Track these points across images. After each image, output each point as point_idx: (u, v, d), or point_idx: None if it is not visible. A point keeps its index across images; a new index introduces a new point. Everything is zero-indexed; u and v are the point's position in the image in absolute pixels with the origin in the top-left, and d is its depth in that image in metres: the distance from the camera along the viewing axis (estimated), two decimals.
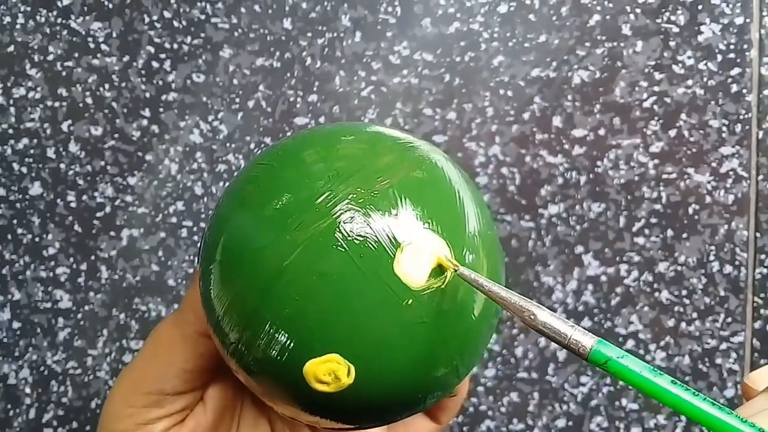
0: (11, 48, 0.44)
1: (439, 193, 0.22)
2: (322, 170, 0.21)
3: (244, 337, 0.21)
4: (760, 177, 0.43)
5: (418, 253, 0.21)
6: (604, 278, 0.43)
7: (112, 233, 0.44)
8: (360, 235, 0.20)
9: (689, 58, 0.43)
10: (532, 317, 0.20)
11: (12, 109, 0.44)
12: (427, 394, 0.22)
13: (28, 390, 0.44)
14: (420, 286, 0.21)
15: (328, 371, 0.20)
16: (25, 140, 0.44)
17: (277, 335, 0.21)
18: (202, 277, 0.23)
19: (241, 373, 0.22)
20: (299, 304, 0.20)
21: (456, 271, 0.21)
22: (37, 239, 0.44)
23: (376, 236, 0.20)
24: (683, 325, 0.43)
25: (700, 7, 0.43)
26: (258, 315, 0.21)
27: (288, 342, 0.21)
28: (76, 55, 0.44)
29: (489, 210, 0.24)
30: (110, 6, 0.44)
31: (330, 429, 0.23)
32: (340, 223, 0.20)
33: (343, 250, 0.20)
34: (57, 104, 0.44)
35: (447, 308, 0.21)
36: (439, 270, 0.21)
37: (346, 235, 0.20)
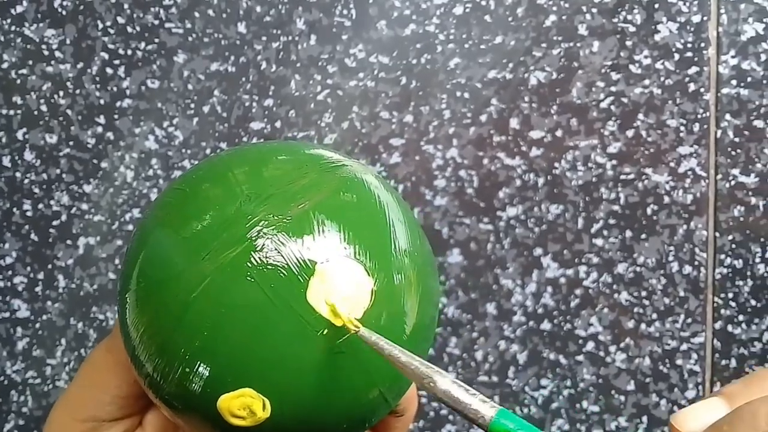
0: None
1: (363, 214, 0.22)
2: (237, 193, 0.21)
3: (159, 369, 0.21)
4: (719, 176, 0.43)
5: (334, 281, 0.20)
6: (563, 280, 0.43)
7: (69, 242, 0.44)
8: (270, 264, 0.20)
9: (646, 57, 0.43)
10: (432, 384, 0.19)
11: None
12: (354, 424, 0.22)
13: None
14: (334, 318, 0.20)
15: (242, 405, 0.20)
16: None
17: (189, 368, 0.20)
18: (120, 304, 0.22)
19: (158, 404, 0.22)
20: (209, 336, 0.20)
21: (357, 332, 0.20)
22: None
23: (287, 263, 0.20)
24: (643, 326, 0.43)
25: (656, 5, 0.43)
26: (170, 346, 0.20)
27: (202, 374, 0.20)
28: (30, 62, 0.44)
29: (420, 228, 0.23)
30: (64, 13, 0.44)
31: None
32: (250, 251, 0.20)
33: (252, 280, 0.20)
34: (11, 112, 0.44)
35: (372, 325, 0.20)
36: (360, 296, 0.20)
37: (256, 264, 0.20)
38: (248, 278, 0.20)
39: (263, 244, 0.20)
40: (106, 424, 0.26)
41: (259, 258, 0.20)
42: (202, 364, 0.20)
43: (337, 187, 0.21)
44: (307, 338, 0.20)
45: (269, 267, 0.20)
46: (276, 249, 0.20)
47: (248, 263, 0.20)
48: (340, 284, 0.20)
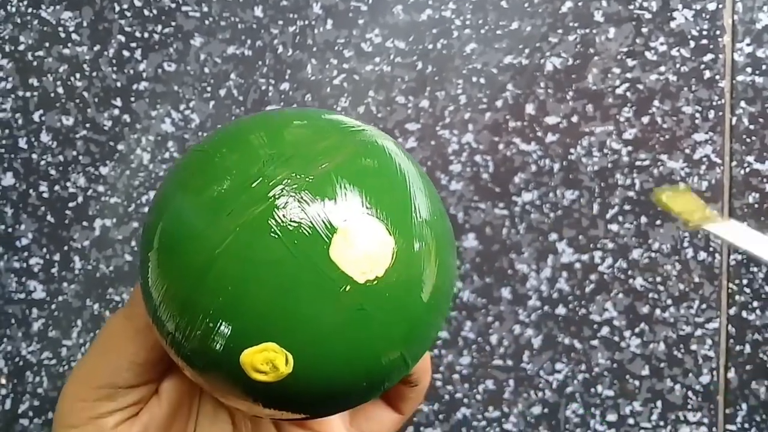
0: None
1: (384, 179, 0.22)
2: (259, 154, 0.21)
3: (181, 327, 0.21)
4: (734, 163, 0.43)
5: (356, 238, 0.20)
6: (578, 265, 0.43)
7: (85, 223, 0.44)
8: (294, 221, 0.20)
9: (662, 44, 0.43)
10: None
11: None
12: (373, 383, 0.22)
13: (3, 381, 0.44)
14: (358, 271, 0.20)
15: (265, 360, 0.20)
16: None
17: (212, 325, 0.20)
18: (141, 264, 0.22)
19: (180, 363, 0.22)
20: (233, 292, 0.20)
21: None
22: (9, 230, 0.44)
23: (310, 221, 0.20)
24: (658, 311, 0.43)
25: None
26: (192, 304, 0.20)
27: (224, 331, 0.20)
28: (47, 44, 0.44)
29: (442, 204, 0.24)
30: None
31: (280, 419, 0.23)
32: (273, 208, 0.20)
33: (276, 236, 0.20)
34: (28, 94, 0.44)
35: (389, 294, 0.20)
36: (381, 254, 0.20)
37: (280, 220, 0.20)
38: (272, 235, 0.20)
39: (287, 202, 0.20)
40: (122, 391, 0.26)
41: (283, 215, 0.20)
42: (225, 320, 0.20)
43: (357, 151, 0.22)
44: (330, 294, 0.20)
45: (293, 224, 0.20)
46: (299, 207, 0.20)
47: (272, 220, 0.20)
48: (362, 242, 0.20)
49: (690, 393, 0.43)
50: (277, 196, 0.20)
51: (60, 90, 0.44)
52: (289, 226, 0.20)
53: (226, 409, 0.29)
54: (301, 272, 0.20)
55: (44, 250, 0.44)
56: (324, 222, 0.20)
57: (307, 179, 0.20)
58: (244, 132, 0.22)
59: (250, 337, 0.20)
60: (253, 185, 0.20)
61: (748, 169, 0.43)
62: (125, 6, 0.44)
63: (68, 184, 0.44)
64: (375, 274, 0.20)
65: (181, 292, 0.21)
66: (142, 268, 0.22)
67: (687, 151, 0.43)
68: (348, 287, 0.20)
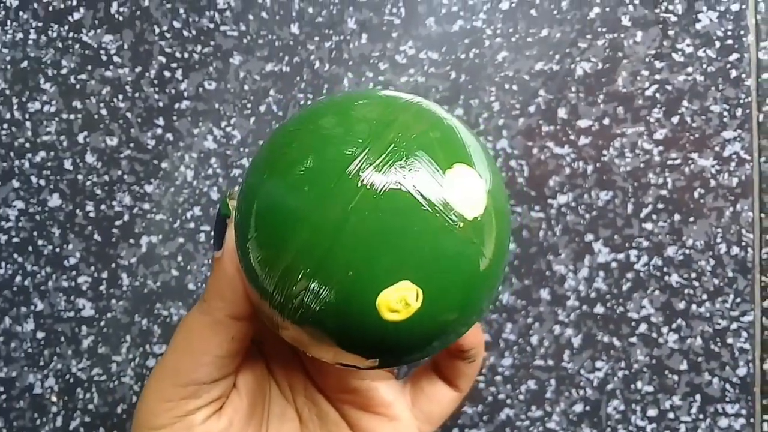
0: (24, 63, 0.45)
1: (457, 141, 0.25)
2: (360, 125, 0.24)
3: (315, 285, 0.23)
4: (762, 159, 0.44)
5: (461, 182, 0.23)
6: (614, 264, 0.44)
7: (132, 241, 0.45)
8: (414, 170, 0.23)
9: (688, 45, 0.44)
10: None
11: (28, 123, 0.45)
12: (477, 312, 0.25)
13: (54, 399, 0.45)
14: (467, 213, 0.23)
15: (400, 298, 0.22)
16: (42, 153, 0.45)
17: (351, 273, 0.22)
18: (243, 245, 0.24)
19: (298, 326, 0.24)
20: (369, 241, 0.22)
21: None
22: (57, 250, 0.45)
23: (425, 168, 0.23)
24: (694, 307, 0.44)
25: None
26: (332, 258, 0.22)
27: (362, 276, 0.22)
28: (89, 67, 0.45)
29: (501, 175, 0.27)
30: (120, 19, 0.45)
31: (372, 368, 0.25)
32: (392, 165, 0.23)
33: (399, 186, 0.22)
34: (72, 117, 0.45)
35: (488, 230, 0.24)
36: (480, 195, 0.24)
37: (402, 170, 0.23)
38: (395, 185, 0.22)
39: (402, 158, 0.23)
40: (206, 386, 0.27)
41: (402, 165, 0.23)
42: (360, 266, 0.22)
43: (434, 123, 0.25)
44: (448, 231, 0.23)
45: (413, 171, 0.23)
46: (412, 160, 0.23)
47: (395, 172, 0.23)
48: (465, 184, 0.23)
49: (727, 385, 0.44)
50: (391, 154, 0.23)
51: (103, 111, 0.45)
52: (406, 176, 0.23)
53: (293, 408, 0.30)
54: (426, 214, 0.23)
55: (92, 268, 0.45)
56: (435, 169, 0.23)
57: (411, 137, 0.23)
58: (347, 106, 0.25)
59: (386, 279, 0.22)
60: (363, 152, 0.23)
61: None
62: (165, 28, 0.45)
63: (114, 203, 0.45)
64: (478, 211, 0.23)
65: (317, 250, 0.22)
66: (247, 246, 0.24)
67: (716, 148, 0.44)
68: (461, 224, 0.23)
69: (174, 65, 0.45)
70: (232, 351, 0.27)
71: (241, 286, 0.26)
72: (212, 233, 0.42)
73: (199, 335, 0.27)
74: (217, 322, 0.26)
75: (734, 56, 0.44)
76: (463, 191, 0.23)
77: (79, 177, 0.45)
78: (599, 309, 0.44)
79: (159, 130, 0.45)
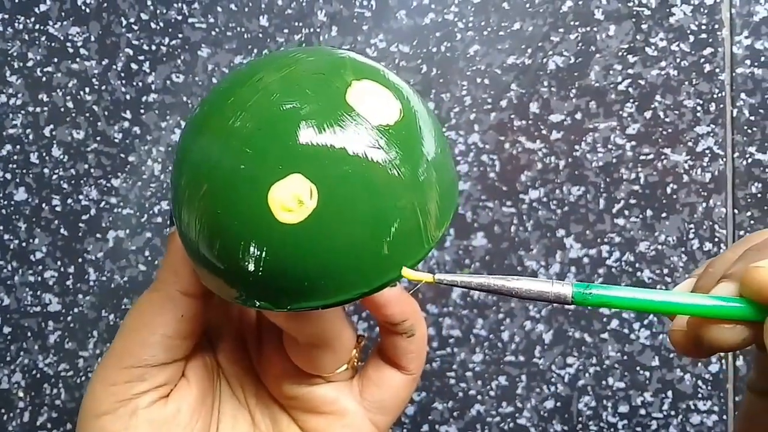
0: None
1: (379, 71, 0.24)
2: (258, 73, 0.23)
3: (207, 189, 0.22)
4: (736, 154, 0.44)
5: (368, 93, 0.23)
6: (586, 260, 0.44)
7: (98, 235, 0.44)
8: (313, 73, 0.23)
9: (662, 39, 0.44)
10: (510, 287, 0.22)
11: None
12: (389, 233, 0.22)
13: (21, 394, 0.45)
14: (372, 115, 0.22)
15: (293, 195, 0.21)
16: (8, 147, 0.44)
17: (240, 165, 0.22)
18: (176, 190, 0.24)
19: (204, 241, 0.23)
20: (258, 132, 0.22)
21: (435, 280, 0.23)
22: (23, 244, 0.44)
23: (324, 72, 0.23)
24: None
25: None
26: (225, 152, 0.22)
27: (249, 168, 0.21)
28: (56, 60, 0.44)
29: (444, 135, 0.26)
30: (87, 10, 0.44)
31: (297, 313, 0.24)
32: (294, 71, 0.23)
33: (299, 86, 0.22)
34: (38, 110, 0.44)
35: (399, 142, 0.22)
36: (390, 110, 0.23)
37: (303, 72, 0.23)
38: (296, 86, 0.22)
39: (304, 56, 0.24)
40: (152, 370, 0.26)
41: (303, 69, 0.23)
42: (253, 159, 0.21)
43: (358, 69, 0.24)
44: (346, 128, 0.22)
45: (313, 75, 0.23)
46: (319, 74, 0.23)
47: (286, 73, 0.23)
48: (373, 97, 0.23)
49: (700, 382, 0.44)
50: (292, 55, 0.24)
51: (70, 104, 0.44)
52: (310, 77, 0.23)
53: (247, 410, 0.30)
54: (324, 109, 0.22)
55: (59, 263, 0.44)
56: (340, 74, 0.23)
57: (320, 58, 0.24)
58: (250, 72, 0.24)
59: (276, 172, 0.21)
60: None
61: (750, 160, 0.44)
62: (132, 20, 0.44)
63: (81, 197, 0.44)
64: (386, 121, 0.22)
65: (213, 153, 0.22)
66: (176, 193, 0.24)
67: (690, 144, 0.44)
68: (363, 125, 0.22)
69: (141, 58, 0.44)
70: (181, 332, 0.26)
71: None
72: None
73: (149, 312, 0.26)
74: (168, 298, 0.26)
75: (708, 50, 0.44)
76: (371, 101, 0.22)
77: (45, 171, 0.44)
78: (571, 305, 0.44)
79: (126, 124, 0.44)
